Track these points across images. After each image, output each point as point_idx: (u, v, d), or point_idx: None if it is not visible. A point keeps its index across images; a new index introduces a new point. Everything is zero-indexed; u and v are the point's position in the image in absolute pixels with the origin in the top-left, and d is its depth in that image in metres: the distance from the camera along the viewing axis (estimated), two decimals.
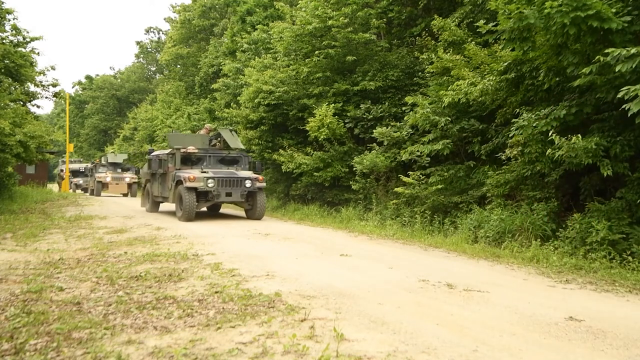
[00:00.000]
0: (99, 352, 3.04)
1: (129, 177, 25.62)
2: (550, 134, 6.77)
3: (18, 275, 5.25)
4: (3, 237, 8.17)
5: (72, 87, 57.65)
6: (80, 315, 3.82)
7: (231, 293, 4.49)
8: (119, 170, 26.23)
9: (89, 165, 30.07)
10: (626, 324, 3.90)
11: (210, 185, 11.10)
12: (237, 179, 11.40)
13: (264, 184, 11.94)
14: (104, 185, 25.13)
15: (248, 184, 11.42)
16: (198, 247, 7.30)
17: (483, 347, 3.30)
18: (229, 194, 11.32)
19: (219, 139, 13.40)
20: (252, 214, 11.85)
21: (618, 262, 6.08)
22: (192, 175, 11.08)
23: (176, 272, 5.42)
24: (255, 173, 12.38)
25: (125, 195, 25.55)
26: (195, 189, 11.03)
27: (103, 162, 26.82)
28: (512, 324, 3.83)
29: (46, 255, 6.42)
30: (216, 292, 4.52)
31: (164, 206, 14.51)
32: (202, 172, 11.43)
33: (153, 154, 13.65)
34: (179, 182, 11.43)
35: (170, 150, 12.48)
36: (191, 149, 12.32)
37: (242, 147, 13.19)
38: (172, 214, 12.81)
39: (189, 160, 12.20)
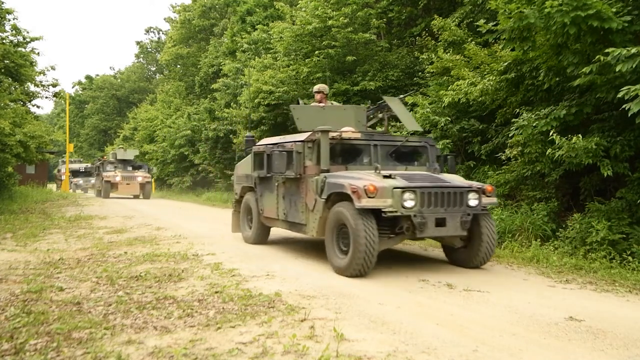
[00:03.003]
0: (99, 352, 3.04)
1: (141, 176, 22.43)
2: (550, 134, 6.77)
3: (18, 275, 5.25)
4: (3, 237, 8.17)
5: (72, 87, 57.65)
6: (80, 315, 3.82)
7: (231, 293, 4.50)
8: (130, 168, 23.16)
9: (96, 162, 26.67)
10: (626, 324, 3.90)
11: (408, 204, 5.37)
12: (454, 192, 5.66)
13: (495, 199, 6.24)
14: (112, 186, 22.13)
15: (473, 200, 5.75)
16: (198, 247, 7.30)
17: (483, 347, 3.30)
18: (440, 223, 5.53)
19: (382, 114, 7.60)
20: (472, 257, 6.02)
21: (618, 262, 6.08)
22: (371, 183, 5.35)
23: (176, 272, 5.42)
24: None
25: (136, 196, 22.75)
26: (377, 212, 5.41)
27: (111, 158, 23.78)
28: (512, 324, 3.83)
29: (46, 255, 6.42)
30: (216, 292, 4.53)
31: (276, 232, 8.49)
32: (385, 176, 5.68)
33: (264, 142, 7.70)
34: (334, 197, 5.85)
35: (307, 135, 6.49)
36: (348, 131, 6.63)
37: (420, 128, 7.58)
38: (287, 245, 7.73)
39: (340, 154, 6.47)
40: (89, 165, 34.69)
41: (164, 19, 68.15)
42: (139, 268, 5.64)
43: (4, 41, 15.31)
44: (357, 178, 5.68)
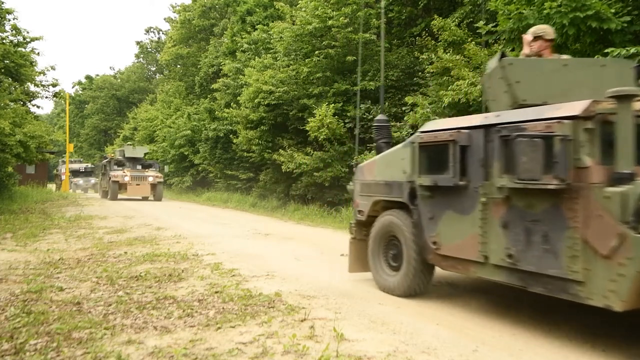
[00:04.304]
0: (99, 352, 3.05)
1: (152, 175, 20.45)
2: None
3: (18, 275, 5.25)
4: (3, 237, 8.17)
5: (72, 87, 57.66)
6: (80, 315, 3.82)
7: (231, 293, 4.50)
8: (139, 167, 21.28)
9: (102, 161, 24.82)
10: (625, 324, 3.90)
11: None
12: None
13: None
14: (121, 187, 20.10)
15: None
16: (198, 247, 7.31)
17: (483, 347, 3.31)
18: None
19: None
20: None
21: None
22: None
23: (176, 272, 5.43)
24: None
25: (145, 198, 20.85)
26: None
27: (119, 156, 21.87)
28: (512, 324, 3.83)
29: (46, 255, 6.43)
30: (216, 292, 4.53)
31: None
32: None
33: (443, 127, 4.27)
34: None
35: (585, 107, 3.21)
36: None
37: None
38: None
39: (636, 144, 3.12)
40: (90, 165, 34.64)
41: (164, 19, 68.13)
42: (139, 268, 5.64)
43: (4, 41, 15.31)
44: None
